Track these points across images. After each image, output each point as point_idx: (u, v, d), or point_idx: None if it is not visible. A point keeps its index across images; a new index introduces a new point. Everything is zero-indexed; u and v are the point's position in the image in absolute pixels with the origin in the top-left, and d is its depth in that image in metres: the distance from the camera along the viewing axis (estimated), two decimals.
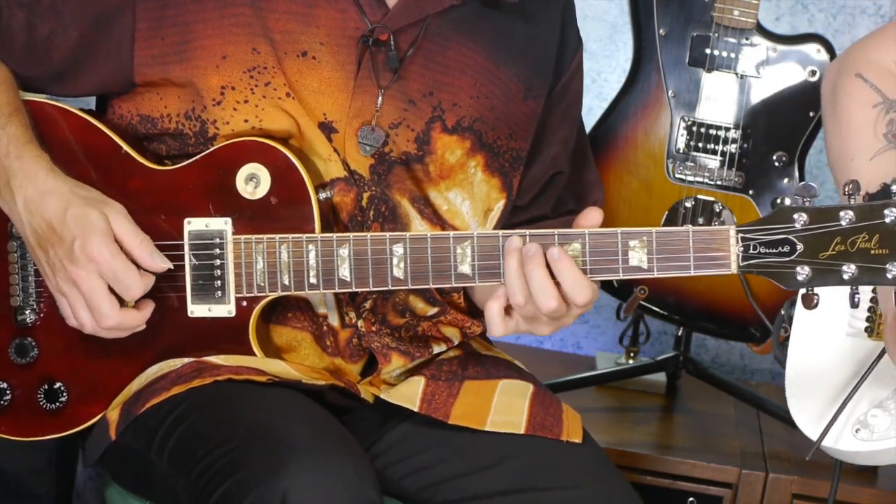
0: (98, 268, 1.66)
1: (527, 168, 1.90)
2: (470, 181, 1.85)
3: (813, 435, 1.86)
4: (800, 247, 1.51)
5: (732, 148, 2.56)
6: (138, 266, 1.68)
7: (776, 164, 2.56)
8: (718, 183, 2.57)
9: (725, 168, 2.56)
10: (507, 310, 1.64)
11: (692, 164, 2.57)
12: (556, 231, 1.61)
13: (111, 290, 1.68)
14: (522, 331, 1.65)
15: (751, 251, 1.54)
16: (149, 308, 1.72)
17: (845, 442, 1.83)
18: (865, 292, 1.89)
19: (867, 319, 1.89)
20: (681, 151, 2.58)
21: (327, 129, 1.78)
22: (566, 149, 1.96)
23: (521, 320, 1.64)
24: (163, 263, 1.70)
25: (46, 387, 1.80)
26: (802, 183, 1.51)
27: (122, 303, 1.69)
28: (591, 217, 1.61)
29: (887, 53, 1.91)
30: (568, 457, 1.80)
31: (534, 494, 1.75)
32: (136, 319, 1.71)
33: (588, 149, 2.05)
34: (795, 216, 1.51)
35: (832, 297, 1.88)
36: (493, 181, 1.87)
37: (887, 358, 1.80)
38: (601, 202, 1.99)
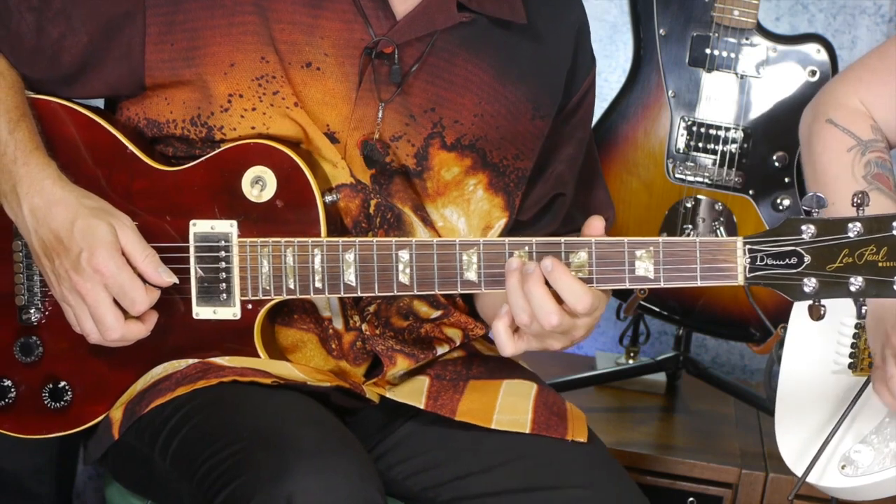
0: (104, 280, 1.65)
1: (530, 185, 1.89)
2: (467, 199, 1.84)
3: (798, 470, 1.86)
4: (807, 259, 1.50)
5: (732, 148, 2.56)
6: (144, 280, 1.68)
7: (776, 164, 2.56)
8: (718, 183, 2.57)
9: (725, 168, 2.56)
10: (516, 329, 1.64)
11: (692, 164, 2.57)
12: (562, 239, 1.60)
13: (116, 302, 1.67)
14: (535, 348, 1.64)
15: (758, 263, 1.53)
16: (152, 320, 1.72)
17: (830, 478, 1.82)
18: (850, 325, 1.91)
19: (850, 356, 1.89)
20: (681, 151, 2.58)
21: (331, 139, 1.78)
22: (572, 168, 1.93)
23: (531, 338, 1.63)
24: (168, 278, 1.69)
25: (51, 385, 1.80)
26: (811, 193, 1.50)
27: (126, 314, 1.69)
28: (594, 226, 1.61)
29: (853, 94, 1.92)
30: (574, 456, 1.80)
31: (539, 494, 1.75)
32: (140, 331, 1.71)
33: (598, 167, 2.02)
34: (803, 228, 1.50)
35: (820, 334, 1.89)
36: (497, 200, 1.85)
37: (870, 392, 1.81)
38: (612, 220, 1.97)
